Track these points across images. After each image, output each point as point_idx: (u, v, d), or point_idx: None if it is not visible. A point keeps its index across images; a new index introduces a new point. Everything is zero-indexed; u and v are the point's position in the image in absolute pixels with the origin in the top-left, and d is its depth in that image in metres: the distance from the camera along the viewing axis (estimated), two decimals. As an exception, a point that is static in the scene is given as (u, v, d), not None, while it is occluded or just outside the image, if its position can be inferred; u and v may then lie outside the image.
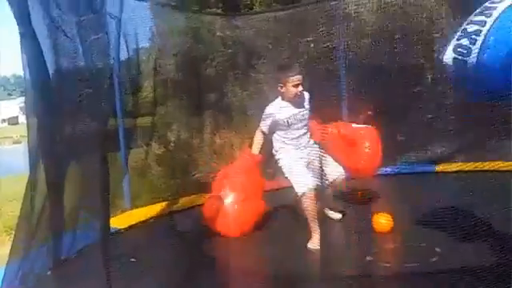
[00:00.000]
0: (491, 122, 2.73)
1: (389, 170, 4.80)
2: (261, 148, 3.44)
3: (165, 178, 4.79)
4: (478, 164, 4.29)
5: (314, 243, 3.19)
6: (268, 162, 3.54)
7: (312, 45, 5.88)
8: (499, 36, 1.99)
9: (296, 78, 3.18)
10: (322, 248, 3.14)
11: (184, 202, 4.38)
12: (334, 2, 5.05)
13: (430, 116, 4.93)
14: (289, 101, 3.27)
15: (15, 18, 2.38)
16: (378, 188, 4.24)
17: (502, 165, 3.85)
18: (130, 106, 4.86)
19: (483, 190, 2.83)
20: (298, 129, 3.33)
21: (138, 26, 4.41)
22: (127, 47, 3.94)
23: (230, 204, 3.45)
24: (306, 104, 3.37)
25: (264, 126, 3.36)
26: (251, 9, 6.84)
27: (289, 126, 3.29)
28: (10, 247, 5.79)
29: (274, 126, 3.33)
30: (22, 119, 79.23)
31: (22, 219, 2.65)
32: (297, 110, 3.30)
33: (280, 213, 3.96)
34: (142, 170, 4.59)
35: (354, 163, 3.59)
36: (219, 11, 6.64)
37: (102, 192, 2.40)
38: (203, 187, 4.12)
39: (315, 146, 3.44)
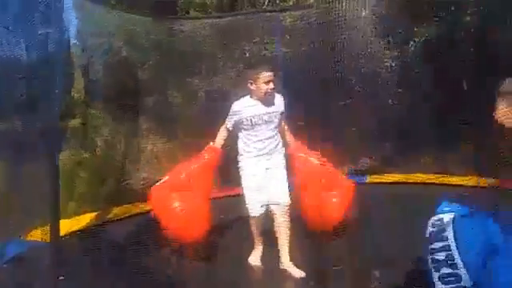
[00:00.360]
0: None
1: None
2: (225, 146, 3.26)
3: (92, 185, 4.54)
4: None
5: (255, 258, 3.17)
6: (231, 166, 3.36)
7: (247, 54, 5.98)
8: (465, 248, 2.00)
9: (268, 75, 3.02)
10: (263, 264, 3.12)
11: (117, 211, 4.18)
12: (269, 14, 5.15)
13: (354, 128, 5.19)
14: (258, 99, 3.07)
15: None
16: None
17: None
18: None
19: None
20: (262, 131, 3.09)
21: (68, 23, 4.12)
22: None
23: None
24: (277, 106, 3.14)
25: (229, 122, 3.15)
26: (187, 13, 6.77)
27: (252, 125, 3.07)
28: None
29: (239, 125, 3.12)
30: None
31: None
32: (264, 110, 3.08)
33: (232, 221, 3.84)
34: (69, 177, 4.30)
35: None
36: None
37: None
38: (136, 196, 3.97)
39: (280, 155, 3.19)
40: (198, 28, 5.60)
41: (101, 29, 5.78)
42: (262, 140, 3.10)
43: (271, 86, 3.02)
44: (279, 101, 3.17)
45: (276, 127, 3.14)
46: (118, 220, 4.08)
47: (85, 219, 3.84)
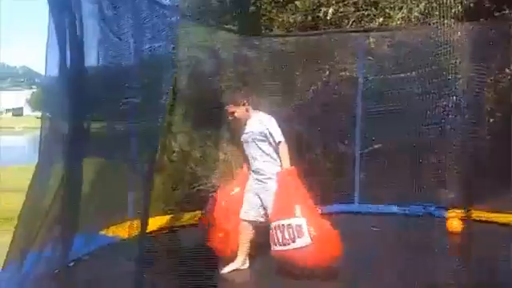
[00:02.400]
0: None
1: (395, 209, 4.71)
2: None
3: (167, 189, 4.72)
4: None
5: (235, 265, 3.29)
6: None
7: (327, 73, 5.92)
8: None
9: (240, 101, 3.37)
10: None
11: (188, 217, 4.28)
12: (355, 34, 5.06)
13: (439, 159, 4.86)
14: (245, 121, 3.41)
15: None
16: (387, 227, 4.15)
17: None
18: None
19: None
20: (247, 150, 3.38)
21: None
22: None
23: None
24: (255, 127, 3.33)
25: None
26: (271, 31, 6.89)
27: (242, 144, 3.42)
28: (3, 240, 5.76)
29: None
30: (27, 111, 79.68)
31: (27, 215, 2.54)
32: (245, 131, 3.39)
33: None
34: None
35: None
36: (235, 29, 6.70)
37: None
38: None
39: (260, 178, 3.32)
40: (279, 45, 5.69)
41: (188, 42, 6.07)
42: (249, 159, 3.37)
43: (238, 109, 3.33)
44: (259, 123, 3.32)
45: (257, 149, 3.31)
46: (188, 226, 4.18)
47: (156, 222, 3.98)
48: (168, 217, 4.19)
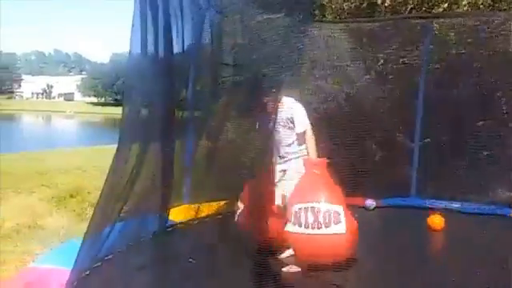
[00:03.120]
0: None
1: (457, 205, 4.46)
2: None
3: (219, 175, 4.69)
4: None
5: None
6: None
7: (381, 61, 5.67)
8: None
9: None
10: None
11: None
12: (416, 21, 4.79)
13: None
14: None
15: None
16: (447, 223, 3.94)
17: None
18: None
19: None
20: (276, 136, 3.27)
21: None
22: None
23: None
24: (283, 113, 3.25)
25: None
26: (324, 17, 6.68)
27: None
28: (56, 218, 6.00)
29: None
30: (78, 96, 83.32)
31: (112, 188, 2.59)
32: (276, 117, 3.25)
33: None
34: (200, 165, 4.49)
35: None
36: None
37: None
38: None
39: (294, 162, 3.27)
40: (333, 32, 5.50)
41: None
42: (278, 144, 3.28)
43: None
44: (286, 109, 3.25)
45: (285, 134, 3.23)
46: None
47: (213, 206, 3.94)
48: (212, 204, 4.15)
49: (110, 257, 2.80)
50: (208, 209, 3.75)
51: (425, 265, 3.02)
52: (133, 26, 2.29)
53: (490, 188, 4.54)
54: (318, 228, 2.87)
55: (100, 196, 2.52)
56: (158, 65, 2.33)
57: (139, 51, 2.34)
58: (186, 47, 2.95)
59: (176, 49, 2.82)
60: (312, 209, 2.92)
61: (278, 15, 5.15)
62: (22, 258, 4.15)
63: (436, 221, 3.90)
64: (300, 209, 2.95)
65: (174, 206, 3.47)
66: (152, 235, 2.62)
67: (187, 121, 3.38)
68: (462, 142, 4.56)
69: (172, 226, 3.33)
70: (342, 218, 2.90)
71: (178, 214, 3.51)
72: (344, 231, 2.87)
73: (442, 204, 4.47)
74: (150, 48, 2.29)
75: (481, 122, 4.80)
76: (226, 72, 5.76)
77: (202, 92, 3.41)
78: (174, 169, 3.11)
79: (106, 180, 2.46)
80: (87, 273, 2.59)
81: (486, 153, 4.65)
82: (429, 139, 4.89)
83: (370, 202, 4.63)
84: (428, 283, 2.74)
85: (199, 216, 3.60)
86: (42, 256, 3.22)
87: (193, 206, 3.74)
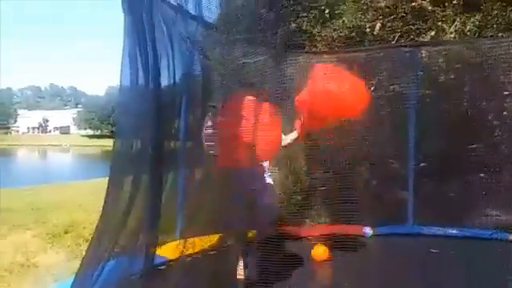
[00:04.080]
0: None
1: (454, 231, 4.43)
2: None
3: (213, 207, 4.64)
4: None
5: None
6: None
7: (372, 88, 5.75)
8: None
9: None
10: None
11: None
12: (404, 49, 4.89)
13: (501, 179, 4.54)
14: None
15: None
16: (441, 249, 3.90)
17: None
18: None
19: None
20: None
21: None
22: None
23: None
24: None
25: None
26: (314, 47, 6.80)
27: None
28: (52, 255, 5.90)
29: None
30: (73, 129, 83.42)
31: (103, 227, 2.56)
32: None
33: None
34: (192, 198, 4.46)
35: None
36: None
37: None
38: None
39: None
40: (325, 62, 5.58)
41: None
42: None
43: None
44: None
45: None
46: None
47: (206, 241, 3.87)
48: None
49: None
50: (200, 244, 3.70)
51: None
52: (122, 61, 2.34)
53: (487, 212, 4.52)
54: None
55: (93, 234, 2.49)
56: (146, 99, 2.35)
57: (128, 85, 2.37)
58: (176, 80, 2.98)
59: (167, 81, 2.86)
60: None
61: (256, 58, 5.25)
62: (14, 299, 4.06)
63: (319, 251, 3.87)
64: None
65: (166, 242, 3.42)
66: (139, 275, 2.57)
67: (179, 152, 3.37)
68: (457, 166, 4.57)
69: (164, 263, 3.25)
70: None
71: (171, 250, 3.45)
72: None
73: (440, 230, 4.44)
74: (139, 82, 2.32)
75: (474, 145, 4.84)
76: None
77: (193, 124, 3.42)
78: (169, 203, 3.09)
79: (100, 216, 2.44)
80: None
81: (482, 176, 4.66)
82: (424, 164, 4.90)
83: (368, 231, 4.60)
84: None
85: (192, 252, 3.55)
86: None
87: (185, 241, 3.68)
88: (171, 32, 2.79)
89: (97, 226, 2.49)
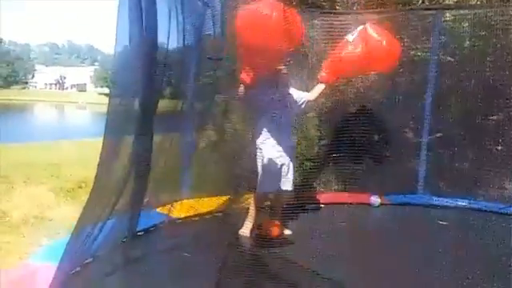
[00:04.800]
0: None
1: (464, 203, 4.35)
2: None
3: (222, 169, 4.64)
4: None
5: (245, 231, 3.47)
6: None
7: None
8: None
9: None
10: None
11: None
12: (428, 12, 4.66)
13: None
14: None
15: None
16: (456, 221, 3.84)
17: None
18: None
19: None
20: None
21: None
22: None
23: None
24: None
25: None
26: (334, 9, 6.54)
27: None
28: (64, 209, 6.04)
29: None
30: (90, 87, 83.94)
31: (98, 186, 2.56)
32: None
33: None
34: (200, 158, 4.44)
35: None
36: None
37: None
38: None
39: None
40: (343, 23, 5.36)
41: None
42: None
43: None
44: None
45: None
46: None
47: (215, 202, 3.92)
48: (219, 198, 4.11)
49: (98, 255, 2.75)
50: (208, 204, 3.72)
51: (433, 263, 2.96)
52: (118, 16, 2.24)
53: (500, 185, 4.42)
54: None
55: (89, 194, 2.49)
56: (140, 56, 2.26)
57: (125, 42, 2.29)
58: (186, 41, 2.89)
59: (176, 42, 2.78)
60: None
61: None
62: (27, 249, 4.18)
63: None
64: None
65: (173, 202, 3.44)
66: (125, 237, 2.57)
67: (187, 113, 3.32)
68: (473, 136, 4.44)
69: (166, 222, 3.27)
70: None
71: (178, 209, 3.48)
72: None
73: (450, 201, 4.37)
74: (135, 39, 2.22)
75: (494, 117, 4.67)
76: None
77: (203, 84, 3.36)
78: (173, 162, 3.07)
79: (95, 177, 2.42)
80: (74, 271, 2.54)
81: (498, 147, 4.52)
82: (440, 134, 4.78)
83: (375, 199, 4.56)
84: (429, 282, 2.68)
85: (199, 212, 3.58)
86: (38, 251, 3.21)
87: (192, 201, 3.71)
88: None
89: (92, 187, 2.48)
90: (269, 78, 3.38)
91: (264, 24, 2.87)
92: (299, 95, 3.68)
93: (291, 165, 3.55)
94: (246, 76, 3.19)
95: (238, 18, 2.98)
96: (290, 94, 3.60)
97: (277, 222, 3.52)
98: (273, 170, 3.43)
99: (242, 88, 3.34)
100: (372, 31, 3.82)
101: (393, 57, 3.92)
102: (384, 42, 3.76)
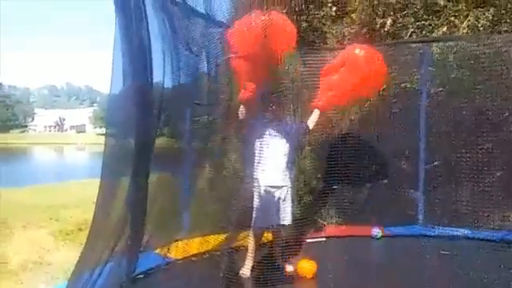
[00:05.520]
0: None
1: (465, 233, 4.32)
2: None
3: (219, 206, 4.63)
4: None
5: (245, 271, 3.40)
6: None
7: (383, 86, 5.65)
8: None
9: None
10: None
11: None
12: (416, 45, 4.81)
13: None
14: None
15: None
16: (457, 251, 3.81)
17: None
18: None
19: None
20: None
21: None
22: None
23: None
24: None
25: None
26: (324, 44, 6.73)
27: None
28: (63, 252, 5.97)
29: None
30: (89, 128, 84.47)
31: (96, 229, 2.55)
32: None
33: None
34: (199, 197, 4.45)
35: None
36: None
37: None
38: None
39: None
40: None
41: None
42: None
43: None
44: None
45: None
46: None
47: (212, 240, 3.86)
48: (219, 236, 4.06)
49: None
50: (207, 243, 3.68)
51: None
52: (113, 57, 2.31)
53: (499, 213, 4.40)
54: None
55: (87, 237, 2.48)
56: (134, 96, 2.30)
57: (120, 83, 2.35)
58: (182, 81, 2.97)
59: (172, 82, 2.85)
60: None
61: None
62: (26, 296, 4.12)
63: (305, 266, 3.48)
64: None
65: (172, 242, 3.42)
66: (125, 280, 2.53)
67: (184, 152, 3.35)
68: (469, 165, 4.46)
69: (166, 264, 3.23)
70: None
71: (176, 250, 3.44)
72: None
73: (451, 231, 4.34)
74: (128, 79, 2.28)
75: (488, 145, 4.72)
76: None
77: (199, 124, 3.41)
78: (173, 202, 3.07)
79: (92, 220, 2.42)
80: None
81: (494, 175, 4.54)
82: (436, 162, 4.81)
83: (377, 231, 4.53)
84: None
85: (198, 252, 3.54)
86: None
87: (191, 241, 3.67)
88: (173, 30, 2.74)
89: (89, 230, 2.47)
90: (266, 93, 3.39)
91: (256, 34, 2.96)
92: (299, 125, 3.73)
93: (289, 196, 3.50)
94: (244, 93, 3.22)
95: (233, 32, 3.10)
96: (288, 121, 3.70)
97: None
98: (269, 204, 3.38)
99: (241, 108, 3.33)
100: (357, 51, 3.96)
101: (379, 76, 4.03)
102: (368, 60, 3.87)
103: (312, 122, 3.80)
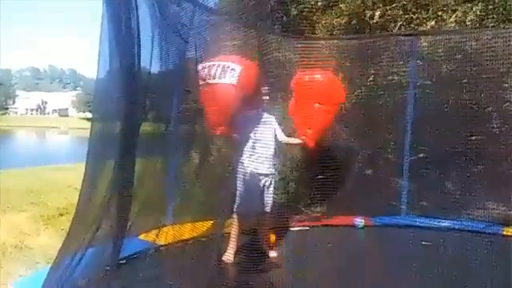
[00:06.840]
0: None
1: (447, 224, 4.40)
2: None
3: (207, 193, 4.62)
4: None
5: (229, 256, 3.47)
6: None
7: (371, 78, 5.69)
8: None
9: None
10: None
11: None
12: (405, 38, 4.83)
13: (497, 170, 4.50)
14: None
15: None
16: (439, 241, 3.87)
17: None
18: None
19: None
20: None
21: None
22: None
23: None
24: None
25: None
26: (313, 33, 6.71)
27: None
28: (44, 237, 5.89)
29: None
30: (72, 112, 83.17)
31: (80, 213, 2.51)
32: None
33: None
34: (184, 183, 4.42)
35: None
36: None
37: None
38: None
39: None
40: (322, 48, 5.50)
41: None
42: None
43: None
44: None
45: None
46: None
47: (198, 227, 3.86)
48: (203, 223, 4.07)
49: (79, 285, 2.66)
50: (192, 230, 3.68)
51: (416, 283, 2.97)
52: (100, 41, 2.26)
53: (482, 204, 4.49)
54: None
55: (71, 222, 2.44)
56: (120, 81, 2.26)
57: (107, 67, 2.31)
58: (170, 65, 2.93)
59: (160, 66, 2.81)
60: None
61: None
62: (5, 280, 4.05)
63: None
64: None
65: (156, 228, 3.40)
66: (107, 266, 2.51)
67: (172, 137, 3.33)
68: (453, 157, 4.53)
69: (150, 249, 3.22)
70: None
71: (161, 236, 3.44)
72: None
73: (434, 222, 4.42)
74: (115, 64, 2.24)
75: (473, 137, 4.80)
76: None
77: (186, 110, 3.39)
78: (158, 187, 3.05)
79: (77, 204, 2.39)
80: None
81: (478, 168, 4.63)
82: (421, 155, 4.87)
83: (359, 221, 4.59)
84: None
85: (183, 238, 3.53)
86: (16, 283, 3.12)
87: (176, 227, 3.66)
88: (162, 15, 2.70)
89: (74, 214, 2.44)
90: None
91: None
92: (279, 133, 3.71)
93: (273, 184, 3.57)
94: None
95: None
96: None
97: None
98: (254, 190, 3.44)
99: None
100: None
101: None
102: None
103: (290, 141, 3.92)
